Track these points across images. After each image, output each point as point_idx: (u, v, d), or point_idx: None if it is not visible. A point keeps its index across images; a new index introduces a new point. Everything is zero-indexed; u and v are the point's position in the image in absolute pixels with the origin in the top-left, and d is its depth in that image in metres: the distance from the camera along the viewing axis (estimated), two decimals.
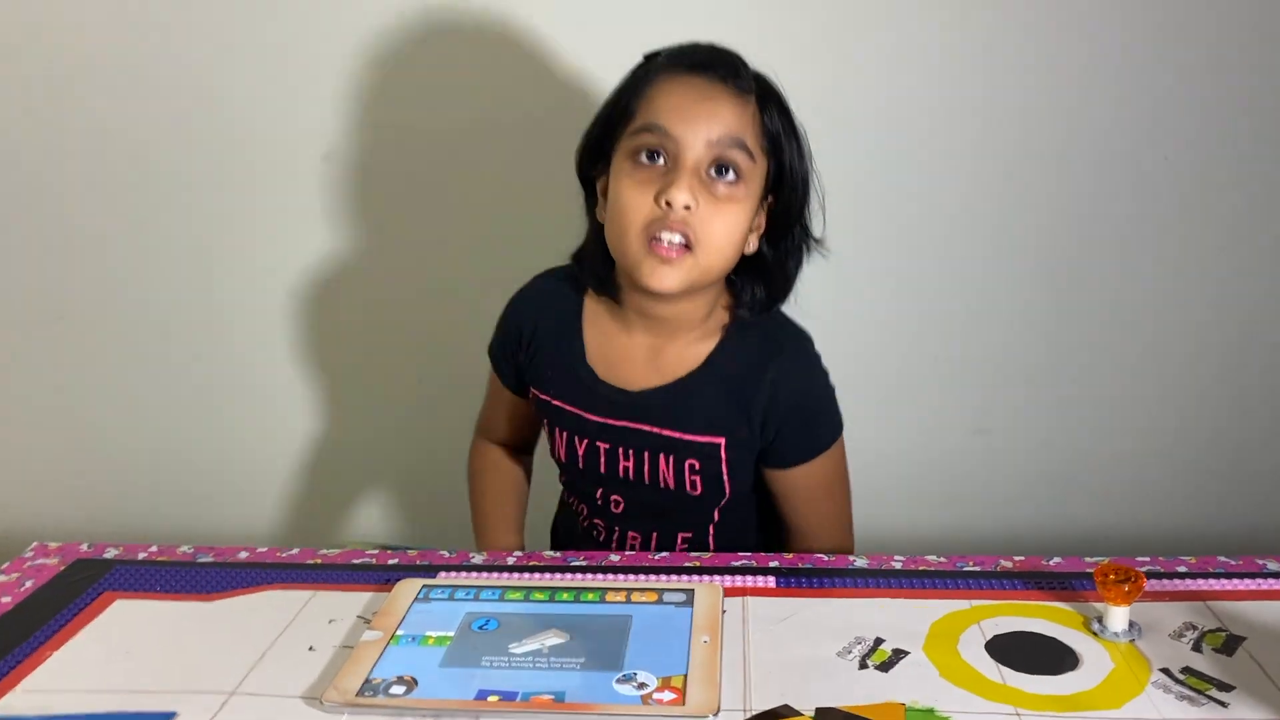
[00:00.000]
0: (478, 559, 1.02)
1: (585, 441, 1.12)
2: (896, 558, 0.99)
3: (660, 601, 0.90)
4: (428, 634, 0.86)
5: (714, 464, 1.08)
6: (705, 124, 0.98)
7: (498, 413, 1.25)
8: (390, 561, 1.02)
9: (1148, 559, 0.97)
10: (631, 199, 1.00)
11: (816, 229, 1.10)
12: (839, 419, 1.11)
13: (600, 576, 0.96)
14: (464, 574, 0.98)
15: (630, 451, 1.10)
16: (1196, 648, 0.82)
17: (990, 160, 1.58)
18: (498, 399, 1.24)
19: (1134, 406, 1.71)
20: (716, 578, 0.95)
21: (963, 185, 1.59)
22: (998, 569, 0.97)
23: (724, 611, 0.89)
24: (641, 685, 0.78)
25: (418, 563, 1.01)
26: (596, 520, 1.17)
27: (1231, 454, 1.75)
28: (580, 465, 1.13)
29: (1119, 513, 1.77)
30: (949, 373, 1.69)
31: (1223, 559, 0.96)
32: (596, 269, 1.10)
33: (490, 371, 1.23)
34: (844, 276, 1.32)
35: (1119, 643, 0.83)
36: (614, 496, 1.13)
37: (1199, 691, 0.76)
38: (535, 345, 1.15)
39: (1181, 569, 0.95)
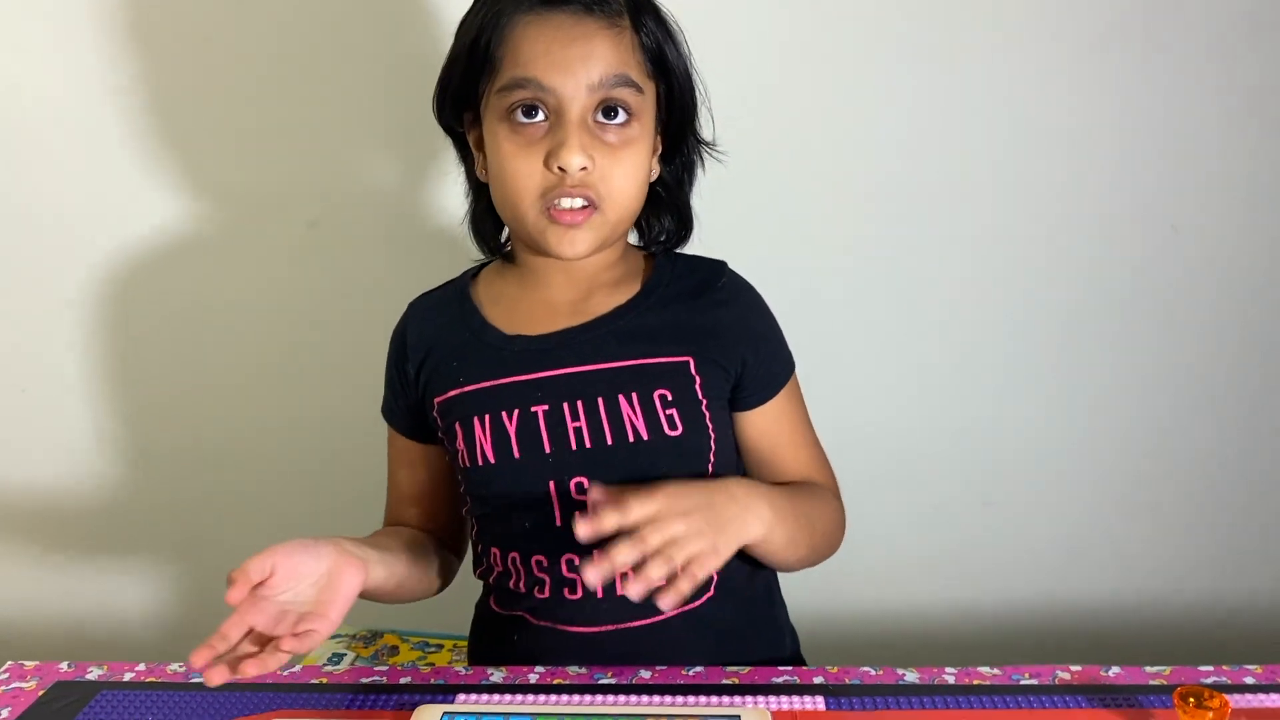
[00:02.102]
0: (496, 676, 0.95)
1: (516, 415, 0.95)
2: (949, 670, 0.93)
3: None
4: None
5: (687, 389, 0.95)
6: (582, 68, 0.89)
7: (405, 490, 1.09)
8: (402, 680, 0.94)
9: (1211, 669, 0.92)
10: (517, 166, 0.92)
11: (705, 131, 1.04)
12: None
13: (634, 699, 0.89)
14: (484, 696, 0.90)
15: (580, 405, 0.95)
16: None
17: (1003, 238, 1.55)
18: (402, 469, 1.09)
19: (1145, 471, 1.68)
20: (760, 699, 0.89)
21: (970, 264, 1.56)
22: (1055, 682, 0.91)
23: None
24: None
25: (431, 682, 0.94)
26: (565, 558, 0.96)
27: (1244, 524, 1.72)
28: (517, 453, 0.95)
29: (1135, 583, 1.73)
30: (954, 445, 1.65)
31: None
32: (486, 232, 1.02)
33: (389, 443, 1.09)
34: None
35: None
36: (575, 480, 0.94)
37: None
38: (427, 350, 1.02)
39: (1249, 680, 0.90)
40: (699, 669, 0.95)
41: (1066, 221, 1.54)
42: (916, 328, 1.58)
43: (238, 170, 1.52)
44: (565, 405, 0.95)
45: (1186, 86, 1.49)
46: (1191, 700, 0.78)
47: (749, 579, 1.07)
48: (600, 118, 0.91)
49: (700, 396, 0.97)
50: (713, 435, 0.98)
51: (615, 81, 0.91)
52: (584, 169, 0.90)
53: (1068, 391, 1.64)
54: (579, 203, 0.91)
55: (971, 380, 1.62)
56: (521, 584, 1.00)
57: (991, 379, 1.62)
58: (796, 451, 1.05)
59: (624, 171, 0.93)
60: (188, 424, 1.65)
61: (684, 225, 1.04)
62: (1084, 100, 1.49)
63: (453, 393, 0.99)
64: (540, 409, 0.96)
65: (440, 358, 1.02)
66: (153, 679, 0.95)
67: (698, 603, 0.99)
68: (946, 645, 1.72)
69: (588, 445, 0.94)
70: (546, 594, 0.98)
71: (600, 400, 0.95)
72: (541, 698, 0.90)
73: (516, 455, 0.95)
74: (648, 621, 0.97)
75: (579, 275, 1.01)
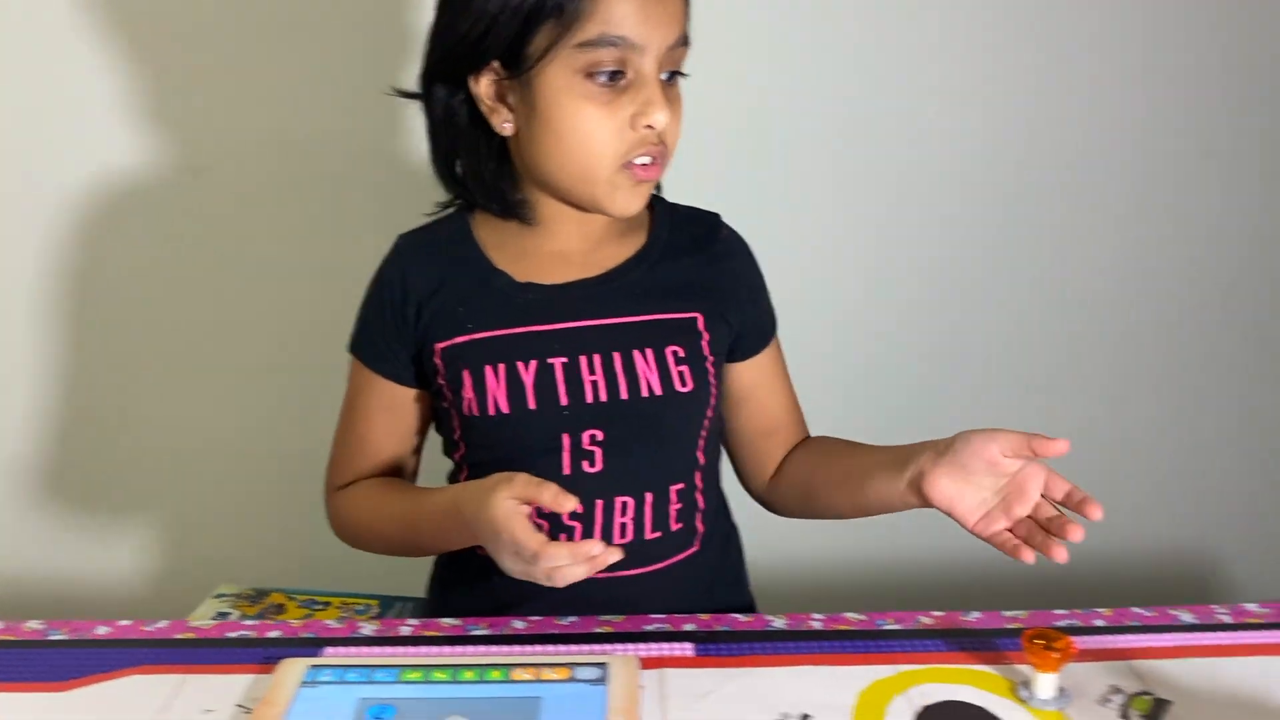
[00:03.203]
0: (367, 629, 0.94)
1: (533, 366, 0.96)
2: (816, 616, 0.95)
3: (572, 679, 0.84)
4: None
5: (696, 346, 0.99)
6: (668, 28, 0.90)
7: (371, 437, 1.04)
8: (271, 634, 0.93)
9: (1064, 612, 0.95)
10: (599, 126, 0.90)
11: None
12: None
13: (506, 649, 0.89)
14: (353, 649, 0.90)
15: (597, 359, 0.96)
16: (1124, 714, 0.80)
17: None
18: (377, 415, 1.04)
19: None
20: (630, 646, 0.90)
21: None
22: (918, 626, 0.94)
23: (641, 687, 0.83)
24: None
25: (301, 635, 0.93)
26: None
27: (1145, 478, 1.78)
28: (532, 404, 0.95)
29: None
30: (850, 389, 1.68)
31: (1137, 610, 0.95)
32: (497, 190, 0.98)
33: (354, 388, 1.05)
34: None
35: (1048, 710, 0.81)
36: (589, 433, 0.96)
37: None
38: (432, 291, 0.99)
39: (1099, 623, 0.94)
40: (573, 619, 0.95)
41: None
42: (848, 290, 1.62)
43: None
44: (583, 359, 0.96)
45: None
46: (1039, 642, 0.81)
47: (727, 532, 1.12)
48: (664, 76, 0.92)
49: (707, 354, 1.00)
50: (713, 391, 1.01)
51: (681, 40, 0.92)
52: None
53: (953, 354, 1.68)
54: (648, 159, 0.92)
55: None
56: None
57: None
58: (778, 399, 1.09)
59: (679, 120, 0.94)
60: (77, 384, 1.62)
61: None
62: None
63: (459, 339, 0.97)
64: (558, 361, 0.96)
65: (445, 301, 0.99)
66: (9, 636, 0.92)
67: (685, 554, 1.03)
68: (876, 593, 1.77)
69: (603, 399, 0.96)
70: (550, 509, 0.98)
71: (617, 355, 0.96)
72: (411, 649, 0.89)
73: (532, 406, 0.95)
74: (638, 571, 1.00)
75: (592, 226, 1.00)
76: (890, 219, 1.65)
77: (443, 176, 1.01)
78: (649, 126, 0.90)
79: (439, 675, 0.84)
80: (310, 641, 0.91)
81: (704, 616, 0.96)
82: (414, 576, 1.39)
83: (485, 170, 0.98)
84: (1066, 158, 1.63)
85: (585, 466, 0.97)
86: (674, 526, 1.02)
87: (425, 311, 0.99)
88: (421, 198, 1.05)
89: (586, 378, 0.96)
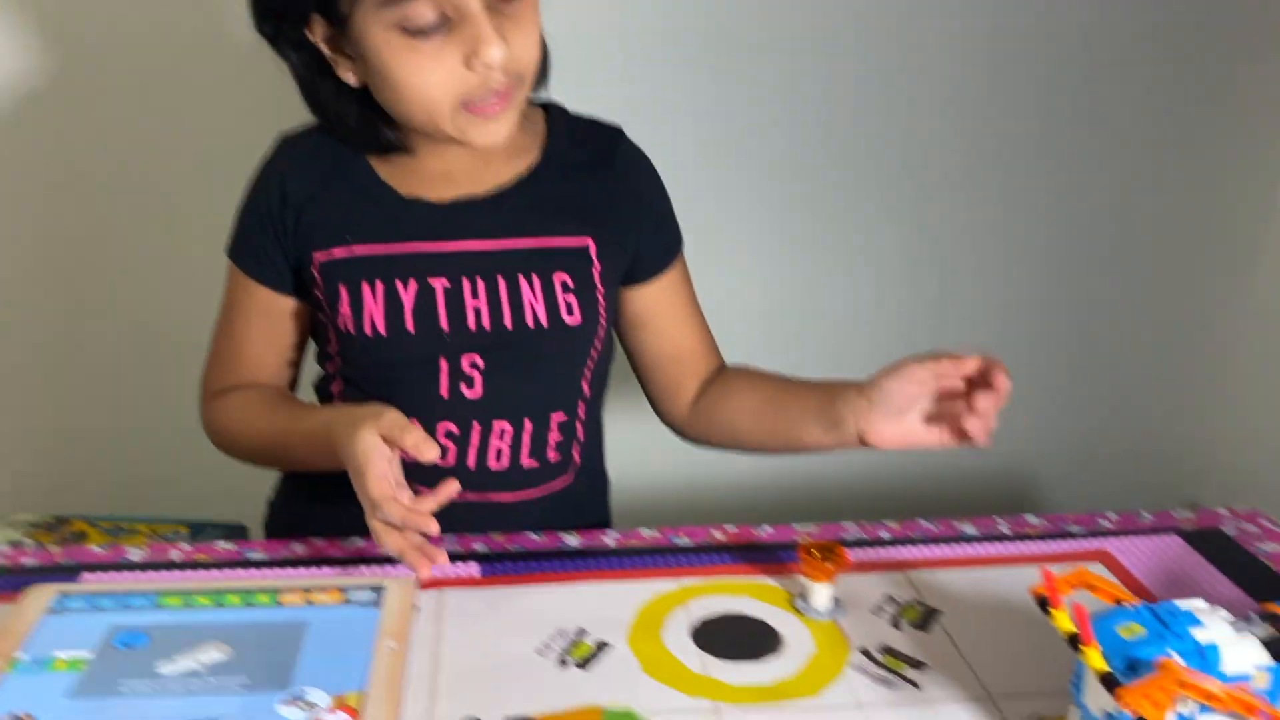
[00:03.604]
0: (135, 555, 0.89)
1: (413, 287, 0.91)
2: (609, 533, 0.95)
3: (345, 601, 0.81)
4: (57, 656, 0.73)
5: (586, 275, 0.95)
6: None
7: (248, 345, 0.99)
8: (25, 561, 0.87)
9: (853, 525, 0.96)
10: (427, 79, 0.85)
11: None
12: None
13: (282, 573, 0.86)
14: (115, 575, 0.85)
15: (481, 284, 0.92)
16: (895, 624, 0.81)
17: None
18: (255, 323, 0.98)
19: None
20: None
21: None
22: (709, 541, 0.94)
23: (417, 609, 0.81)
24: (310, 706, 0.69)
25: (60, 562, 0.87)
26: (442, 426, 0.95)
27: None
28: (411, 328, 0.92)
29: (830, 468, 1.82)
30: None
31: (923, 523, 0.97)
32: (367, 132, 0.93)
33: (231, 294, 0.99)
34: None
35: (821, 621, 0.82)
36: (469, 359, 0.93)
37: (894, 672, 0.76)
38: (311, 197, 0.94)
39: (885, 535, 0.95)
40: (359, 541, 0.92)
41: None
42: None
43: None
44: (466, 282, 0.92)
45: None
46: (815, 553, 0.81)
47: (599, 466, 1.09)
48: None
49: (598, 283, 0.96)
50: (602, 322, 0.97)
51: None
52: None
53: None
54: (492, 97, 0.86)
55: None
56: None
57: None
58: (684, 324, 1.05)
59: (530, 39, 0.87)
60: None
61: (544, 56, 0.96)
62: None
63: (338, 252, 0.92)
64: (440, 283, 0.91)
65: (325, 210, 0.93)
66: None
67: (559, 485, 1.00)
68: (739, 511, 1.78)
69: (486, 327, 0.92)
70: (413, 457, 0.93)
71: (502, 280, 0.92)
72: (177, 573, 0.85)
73: (410, 330, 0.91)
74: (511, 497, 0.97)
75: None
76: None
77: (317, 117, 0.96)
78: (486, 65, 0.84)
79: (201, 601, 0.80)
80: (67, 568, 0.86)
81: (497, 536, 0.94)
82: (229, 501, 1.34)
83: (349, 115, 0.92)
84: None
85: (464, 390, 0.94)
86: (552, 457, 0.99)
87: (304, 218, 0.94)
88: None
89: (469, 303, 0.92)
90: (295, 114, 0.96)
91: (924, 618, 0.82)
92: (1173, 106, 1.70)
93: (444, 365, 0.93)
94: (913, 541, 0.93)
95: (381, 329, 0.92)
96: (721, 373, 1.05)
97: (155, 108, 1.46)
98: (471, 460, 0.96)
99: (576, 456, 1.03)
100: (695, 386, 1.04)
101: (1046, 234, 1.78)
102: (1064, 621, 0.62)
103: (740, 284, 1.65)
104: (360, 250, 0.93)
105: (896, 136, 1.63)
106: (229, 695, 0.70)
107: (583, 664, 0.76)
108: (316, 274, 0.94)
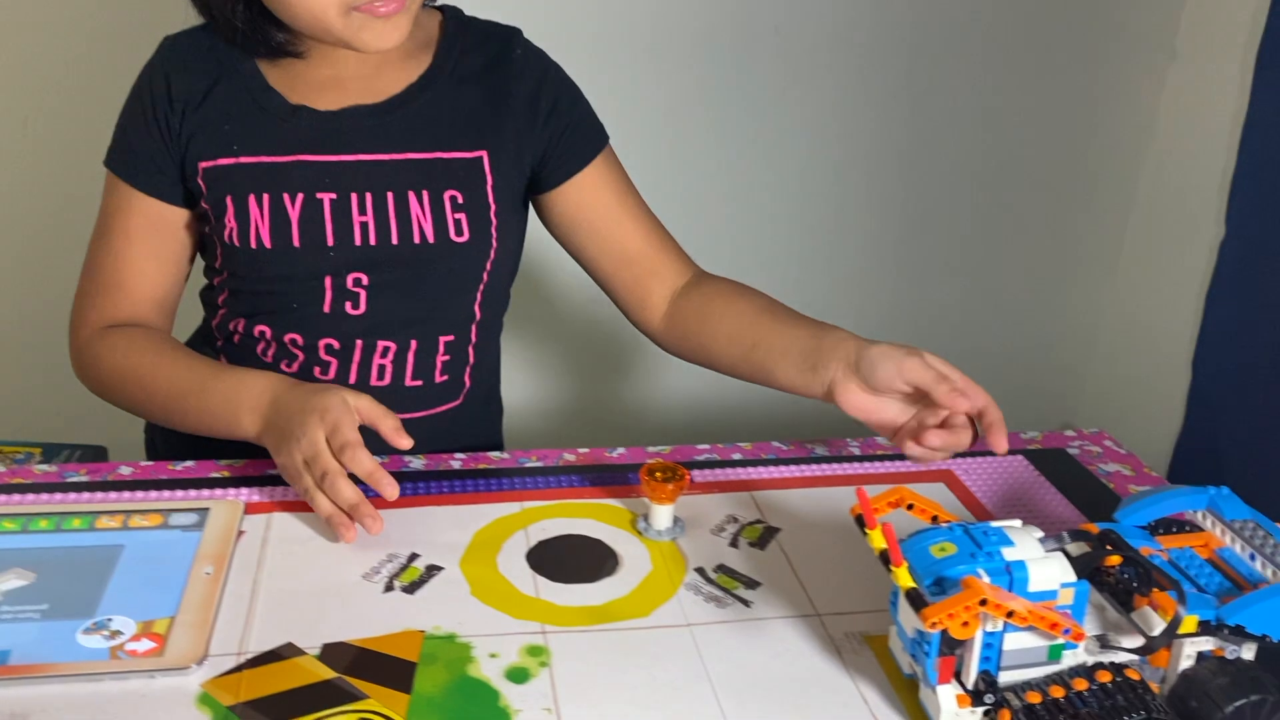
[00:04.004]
0: None
1: (300, 199, 0.88)
2: (457, 456, 0.92)
3: (165, 525, 0.77)
4: None
5: (479, 191, 0.92)
6: None
7: (131, 263, 0.93)
8: None
9: (706, 447, 0.96)
10: None
11: None
12: None
13: (116, 496, 0.82)
14: None
15: (369, 198, 0.89)
16: (734, 543, 0.81)
17: None
18: (139, 236, 0.92)
19: None
20: (244, 491, 0.84)
21: None
22: (559, 464, 0.92)
23: (241, 533, 0.78)
24: (114, 634, 0.66)
25: None
26: (324, 342, 0.92)
27: None
28: (297, 242, 0.88)
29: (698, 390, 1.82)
30: None
31: (777, 444, 0.97)
32: (257, 34, 0.88)
33: (111, 208, 0.93)
34: None
35: (661, 541, 0.81)
36: (353, 276, 0.90)
37: (727, 590, 0.75)
38: (195, 102, 0.89)
39: (737, 456, 0.95)
40: (190, 464, 0.89)
41: None
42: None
43: None
44: (354, 196, 0.89)
45: None
46: (658, 475, 0.80)
47: (492, 389, 1.06)
48: None
49: (490, 200, 0.92)
50: (495, 243, 0.93)
51: None
52: None
53: None
54: None
55: None
56: (269, 354, 0.94)
57: None
58: (624, 225, 0.99)
59: None
60: None
61: None
62: None
63: (224, 161, 0.88)
64: (327, 197, 0.88)
65: (210, 115, 0.89)
66: None
67: (446, 407, 0.98)
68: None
69: (372, 243, 0.89)
70: (294, 369, 0.93)
71: (390, 195, 0.89)
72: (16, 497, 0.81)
73: (296, 244, 0.88)
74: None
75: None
76: None
77: (203, 16, 0.90)
78: None
79: (7, 525, 0.76)
80: None
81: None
82: (83, 424, 1.28)
83: (237, 17, 0.87)
84: None
85: (348, 308, 0.91)
86: (438, 378, 0.96)
87: (189, 122, 0.89)
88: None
89: (356, 218, 0.89)
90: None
91: (763, 537, 0.82)
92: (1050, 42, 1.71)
93: (329, 282, 0.91)
94: (763, 463, 0.93)
95: (267, 242, 0.89)
96: (703, 285, 1.00)
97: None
98: (352, 376, 0.94)
99: (466, 379, 1.00)
100: (663, 294, 1.00)
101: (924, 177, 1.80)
102: (877, 540, 0.62)
103: None
104: (246, 160, 0.89)
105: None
106: (28, 623, 0.67)
107: (410, 589, 0.74)
108: (202, 183, 0.90)
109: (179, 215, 0.93)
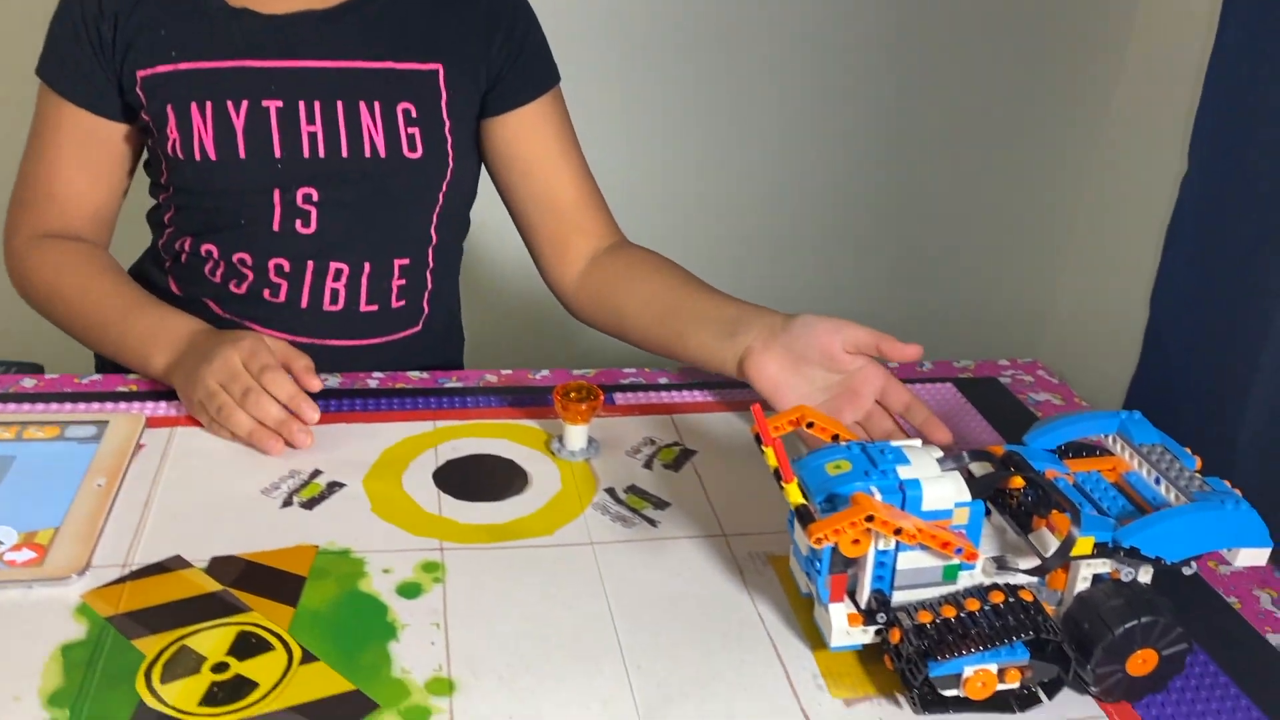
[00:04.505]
0: None
1: (245, 107, 0.85)
2: (375, 375, 0.90)
3: (61, 437, 0.75)
4: None
5: (433, 106, 0.89)
6: None
7: (64, 176, 0.90)
8: None
9: (633, 371, 0.94)
10: None
11: None
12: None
13: (7, 408, 0.80)
14: None
15: (317, 106, 0.86)
16: (648, 464, 0.80)
17: None
18: (65, 148, 0.89)
19: None
20: (149, 405, 0.82)
21: None
22: (480, 385, 0.90)
23: (141, 446, 0.76)
24: None
25: None
26: (273, 262, 0.90)
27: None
28: (242, 153, 0.85)
29: None
30: None
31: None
32: None
33: (43, 119, 0.89)
34: None
35: (575, 462, 0.79)
36: (303, 191, 0.88)
37: (635, 510, 0.74)
38: (128, 6, 0.85)
39: (663, 380, 0.93)
40: (96, 377, 0.86)
41: None
42: None
43: None
44: (302, 104, 0.85)
45: None
46: (572, 394, 0.79)
47: (453, 315, 1.05)
48: None
49: (445, 117, 0.89)
50: (451, 161, 0.91)
51: None
52: None
53: None
54: None
55: None
56: (218, 274, 0.91)
57: None
58: (558, 171, 0.96)
59: None
60: None
61: None
62: None
63: (162, 68, 0.84)
64: (273, 105, 0.85)
65: (145, 21, 0.85)
66: None
67: (404, 334, 0.97)
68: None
69: (321, 154, 0.86)
70: (244, 290, 0.91)
71: (340, 105, 0.86)
72: None
73: (242, 155, 0.85)
74: (351, 343, 0.93)
75: None
76: None
77: None
78: None
79: None
80: None
81: None
82: (24, 339, 1.26)
83: None
84: None
85: (298, 225, 0.89)
86: (394, 303, 0.94)
87: (124, 29, 0.85)
88: None
89: (304, 128, 0.86)
90: None
91: (678, 459, 0.81)
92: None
93: (277, 196, 0.88)
94: (688, 386, 0.91)
95: (212, 154, 0.86)
96: (626, 251, 0.97)
97: None
98: (304, 300, 0.92)
99: (425, 305, 0.98)
100: (583, 252, 0.97)
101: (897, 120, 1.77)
102: (771, 457, 0.60)
103: None
104: (186, 66, 0.85)
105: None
106: None
107: (308, 504, 0.72)
108: (141, 93, 0.86)
109: (114, 129, 0.90)
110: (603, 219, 0.99)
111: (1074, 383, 1.00)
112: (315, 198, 0.89)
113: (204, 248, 0.91)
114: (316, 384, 0.78)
